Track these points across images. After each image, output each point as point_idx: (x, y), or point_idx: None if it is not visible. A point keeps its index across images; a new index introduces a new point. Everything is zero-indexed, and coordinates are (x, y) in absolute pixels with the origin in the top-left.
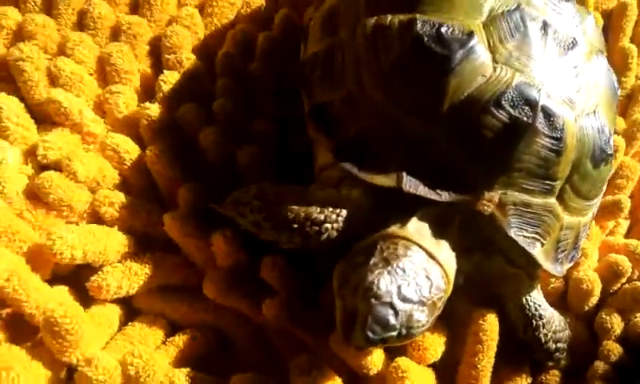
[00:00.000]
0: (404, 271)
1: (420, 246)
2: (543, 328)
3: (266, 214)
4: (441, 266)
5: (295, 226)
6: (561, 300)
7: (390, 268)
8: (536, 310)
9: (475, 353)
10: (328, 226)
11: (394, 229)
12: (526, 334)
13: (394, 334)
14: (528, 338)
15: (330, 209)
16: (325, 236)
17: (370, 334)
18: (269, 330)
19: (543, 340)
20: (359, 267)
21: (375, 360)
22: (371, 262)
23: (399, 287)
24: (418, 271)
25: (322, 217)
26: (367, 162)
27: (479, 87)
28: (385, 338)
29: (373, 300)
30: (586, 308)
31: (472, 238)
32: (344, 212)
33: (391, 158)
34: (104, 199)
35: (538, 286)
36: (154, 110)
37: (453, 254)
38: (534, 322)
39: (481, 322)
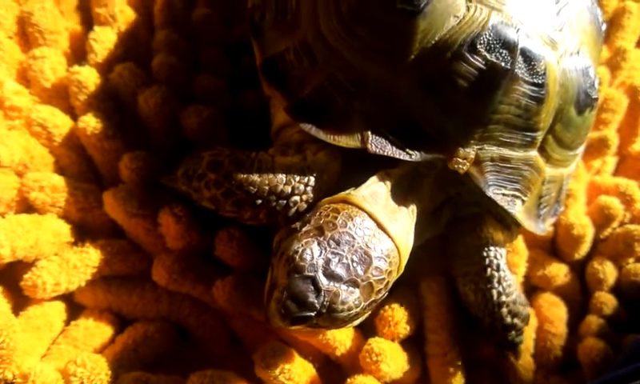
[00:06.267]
0: (338, 244)
1: (370, 215)
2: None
3: (225, 188)
4: (392, 240)
5: (259, 201)
6: (550, 246)
7: (321, 238)
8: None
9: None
10: (296, 198)
11: (343, 193)
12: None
13: (312, 314)
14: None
15: (297, 178)
16: (293, 210)
17: (284, 311)
18: (231, 318)
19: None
20: (292, 233)
21: (342, 339)
22: (303, 230)
23: (327, 261)
24: (357, 245)
25: (288, 189)
26: (329, 119)
27: (451, 29)
28: (302, 317)
29: (293, 272)
30: (577, 256)
31: (443, 196)
32: (312, 180)
33: (355, 113)
34: (33, 183)
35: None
36: (85, 74)
37: (411, 227)
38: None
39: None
